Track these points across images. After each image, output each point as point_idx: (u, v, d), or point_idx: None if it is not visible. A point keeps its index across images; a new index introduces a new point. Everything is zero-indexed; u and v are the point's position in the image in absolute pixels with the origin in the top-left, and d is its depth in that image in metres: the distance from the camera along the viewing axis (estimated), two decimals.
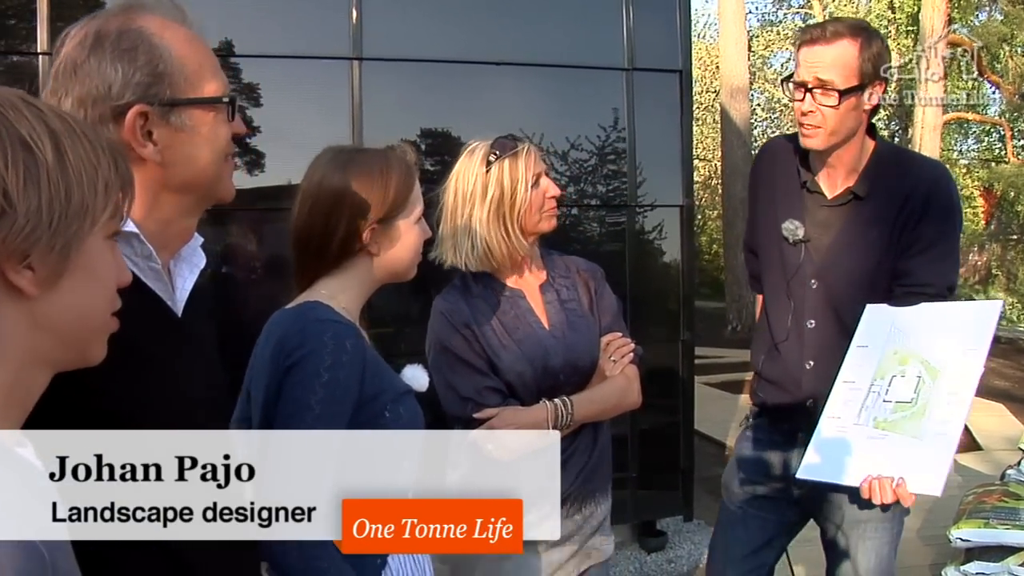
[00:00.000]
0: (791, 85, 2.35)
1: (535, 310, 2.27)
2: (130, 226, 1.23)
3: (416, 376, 1.90)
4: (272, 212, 4.44)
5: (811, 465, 2.14)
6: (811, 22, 19.47)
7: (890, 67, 2.34)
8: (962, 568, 4.00)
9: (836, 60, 2.25)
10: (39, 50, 4.19)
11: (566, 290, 2.33)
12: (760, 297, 2.71)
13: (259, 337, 1.76)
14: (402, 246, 1.78)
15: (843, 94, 2.24)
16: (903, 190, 2.33)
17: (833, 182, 2.41)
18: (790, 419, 2.47)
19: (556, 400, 2.18)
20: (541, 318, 2.27)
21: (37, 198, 0.88)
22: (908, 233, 2.32)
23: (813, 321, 2.41)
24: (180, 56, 1.26)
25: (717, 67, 16.67)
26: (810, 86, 2.28)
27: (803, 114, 2.31)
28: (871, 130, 2.43)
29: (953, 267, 2.39)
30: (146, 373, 1.23)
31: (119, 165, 0.97)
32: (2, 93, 0.91)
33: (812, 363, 2.41)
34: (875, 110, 2.35)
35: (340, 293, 1.73)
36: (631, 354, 2.32)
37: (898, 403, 2.07)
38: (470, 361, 2.17)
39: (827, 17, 19.89)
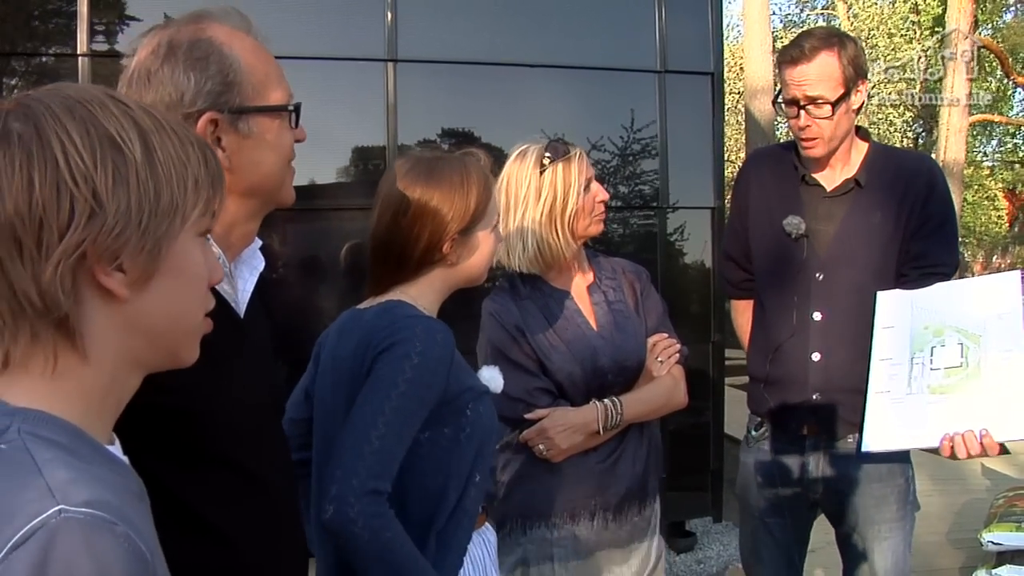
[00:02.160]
0: (783, 104, 2.43)
1: (583, 311, 2.28)
2: None
3: (493, 377, 1.92)
4: (308, 212, 4.48)
5: (874, 437, 2.12)
6: (835, 25, 19.39)
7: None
8: (994, 571, 3.98)
9: (821, 75, 2.32)
10: (79, 51, 4.24)
11: (613, 291, 2.34)
12: (738, 303, 2.76)
13: (327, 339, 1.79)
14: (480, 255, 1.79)
15: (835, 104, 2.33)
16: (904, 175, 2.42)
17: (831, 176, 2.47)
18: (796, 418, 2.47)
19: (606, 400, 2.19)
20: (589, 319, 2.28)
21: (127, 198, 0.85)
22: (916, 215, 2.38)
23: (819, 314, 2.42)
24: (248, 65, 1.30)
25: (741, 68, 16.61)
26: (802, 103, 2.36)
27: (800, 128, 2.39)
28: (863, 133, 2.52)
29: (957, 247, 2.52)
30: (212, 372, 1.24)
31: (209, 161, 0.95)
32: (89, 90, 0.89)
33: (819, 356, 2.41)
34: (861, 105, 2.44)
35: (419, 298, 1.74)
36: (677, 355, 2.33)
37: (948, 369, 2.06)
38: (520, 362, 2.18)
39: (851, 18, 19.81)
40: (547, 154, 2.19)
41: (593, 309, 2.30)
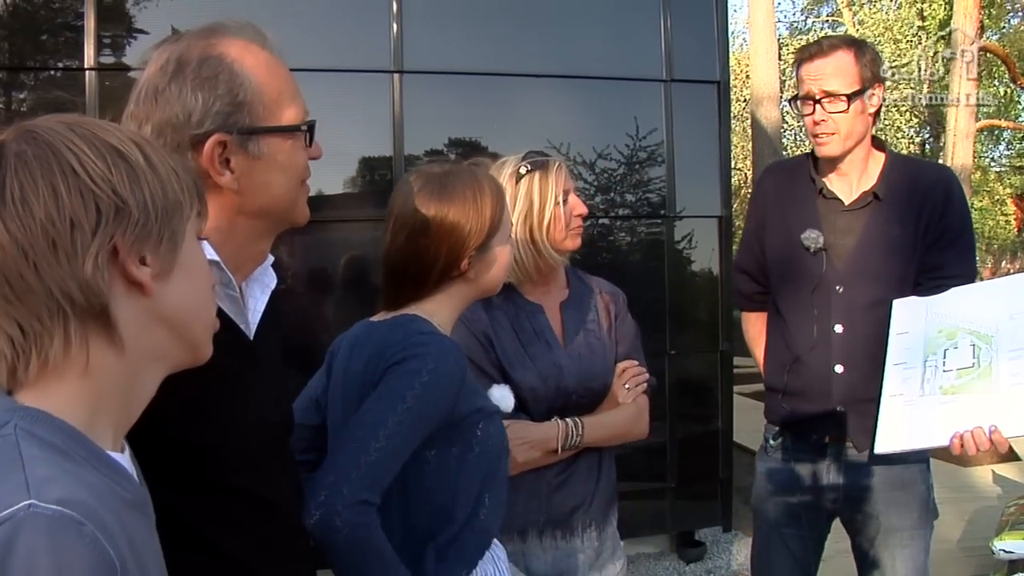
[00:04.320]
0: (799, 102, 2.47)
1: (553, 327, 2.23)
2: (210, 253, 1.23)
3: (504, 397, 1.90)
4: (315, 224, 4.47)
5: (887, 439, 2.11)
6: (840, 31, 19.41)
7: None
8: None
9: (837, 70, 2.38)
10: (86, 65, 4.25)
11: (586, 311, 2.29)
12: (748, 315, 2.76)
13: (339, 350, 1.76)
14: (497, 267, 1.77)
15: (850, 98, 2.36)
16: (922, 187, 2.43)
17: (848, 188, 2.48)
18: (818, 428, 2.48)
19: (568, 420, 2.14)
20: (558, 336, 2.22)
21: (142, 194, 0.92)
22: (934, 227, 2.39)
23: (841, 326, 2.43)
24: (260, 84, 1.25)
25: (747, 76, 16.62)
26: (818, 97, 2.39)
27: (816, 124, 2.42)
28: (880, 144, 2.53)
29: (975, 257, 2.53)
30: (222, 401, 1.24)
31: (190, 173, 1.03)
32: (80, 116, 0.97)
33: (841, 368, 2.43)
34: (878, 113, 2.46)
35: (435, 313, 1.72)
36: (645, 384, 2.28)
37: (960, 369, 2.05)
38: (484, 369, 2.11)
39: (856, 25, 19.81)
40: (524, 164, 2.17)
41: (563, 326, 2.25)
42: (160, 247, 0.95)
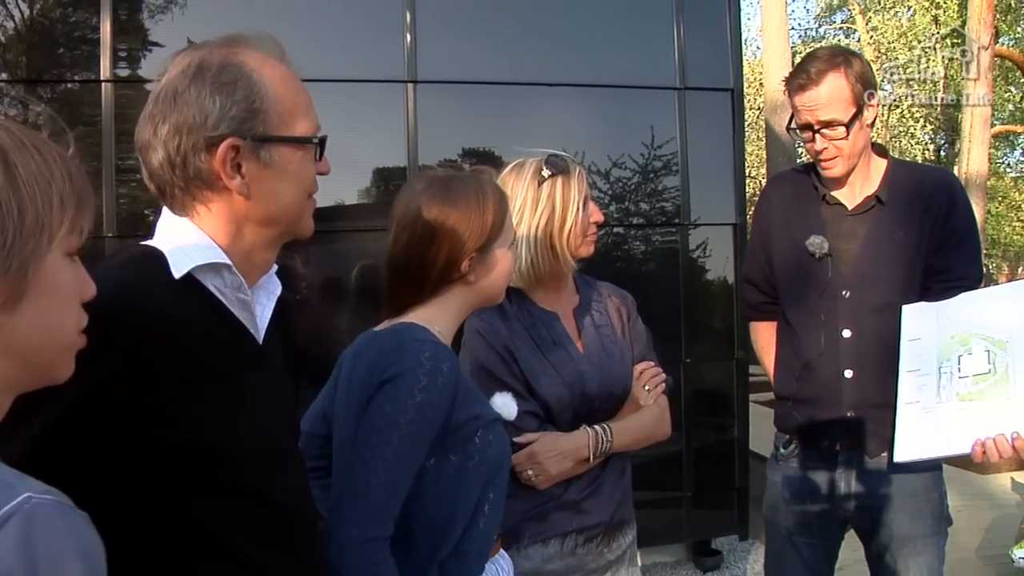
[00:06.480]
0: (797, 129, 2.43)
1: (570, 334, 2.21)
2: (222, 257, 1.27)
3: (506, 404, 1.88)
4: (331, 234, 4.49)
5: (905, 447, 2.10)
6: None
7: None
8: None
9: (831, 97, 2.33)
10: (102, 77, 4.29)
11: (599, 315, 2.28)
12: (757, 325, 2.75)
13: (344, 360, 1.76)
14: (498, 272, 1.77)
15: (848, 124, 2.34)
16: (925, 190, 2.42)
17: (851, 194, 2.48)
18: (829, 435, 2.46)
19: (597, 427, 2.12)
20: (576, 342, 2.21)
21: None
22: (939, 229, 2.38)
23: (849, 331, 2.42)
24: (276, 94, 1.28)
25: (761, 84, 16.61)
26: (816, 128, 2.37)
27: (817, 152, 2.40)
28: (881, 149, 2.53)
29: (980, 259, 2.51)
30: (234, 402, 1.25)
31: (74, 178, 0.91)
32: None
33: (851, 373, 2.41)
34: (875, 119, 2.45)
35: (435, 319, 1.71)
36: (663, 384, 2.27)
37: (976, 376, 2.04)
38: (509, 383, 2.09)
39: (870, 31, 19.75)
40: (546, 167, 2.13)
41: (580, 333, 2.23)
42: (6, 276, 0.84)
